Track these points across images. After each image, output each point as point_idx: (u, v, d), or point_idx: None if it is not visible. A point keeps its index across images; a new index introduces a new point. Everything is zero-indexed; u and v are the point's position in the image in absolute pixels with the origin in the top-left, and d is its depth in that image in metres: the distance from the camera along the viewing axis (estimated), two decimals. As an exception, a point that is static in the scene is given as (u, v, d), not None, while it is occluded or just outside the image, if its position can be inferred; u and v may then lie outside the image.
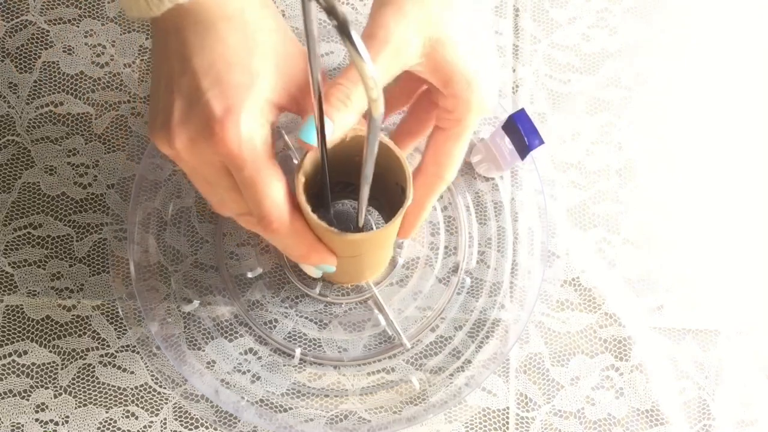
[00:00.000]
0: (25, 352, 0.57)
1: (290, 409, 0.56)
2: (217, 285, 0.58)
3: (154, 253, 0.58)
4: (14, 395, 0.56)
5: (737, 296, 0.60)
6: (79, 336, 0.57)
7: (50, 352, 0.57)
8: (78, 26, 0.61)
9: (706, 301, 0.60)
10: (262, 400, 0.56)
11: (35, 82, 0.60)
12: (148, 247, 0.58)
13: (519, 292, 0.58)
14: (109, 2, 0.62)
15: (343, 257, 0.47)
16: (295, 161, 0.58)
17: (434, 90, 0.45)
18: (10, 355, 0.57)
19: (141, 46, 0.61)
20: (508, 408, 0.58)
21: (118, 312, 0.57)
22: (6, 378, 0.56)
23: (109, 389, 0.57)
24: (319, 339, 0.58)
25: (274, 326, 0.58)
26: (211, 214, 0.59)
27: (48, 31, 0.61)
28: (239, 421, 0.56)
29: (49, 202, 0.59)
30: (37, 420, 0.56)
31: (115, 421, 0.56)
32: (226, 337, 0.57)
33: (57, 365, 0.57)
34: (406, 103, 0.51)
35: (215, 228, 0.59)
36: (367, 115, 0.34)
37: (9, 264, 0.58)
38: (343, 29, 0.28)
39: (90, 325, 0.57)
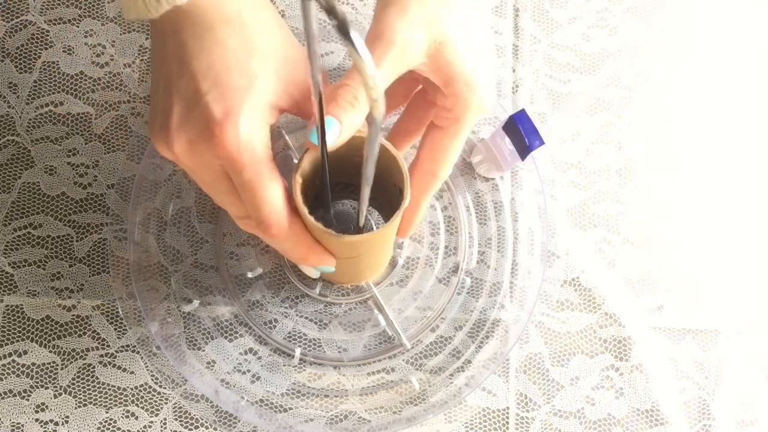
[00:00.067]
0: (25, 352, 0.57)
1: (290, 409, 0.56)
2: (217, 285, 0.58)
3: (154, 253, 0.58)
4: (14, 395, 0.56)
5: (737, 296, 0.60)
6: (79, 336, 0.57)
7: (50, 352, 0.57)
8: (78, 26, 0.61)
9: (706, 301, 0.60)
10: (262, 400, 0.56)
11: (35, 82, 0.60)
12: (148, 247, 0.58)
13: (519, 292, 0.58)
14: (109, 2, 0.62)
15: (342, 258, 0.47)
16: (295, 161, 0.58)
17: (432, 89, 0.45)
18: (10, 355, 0.57)
19: (141, 46, 0.61)
20: (508, 408, 0.58)
21: (118, 312, 0.57)
22: (6, 378, 0.56)
23: (109, 389, 0.57)
24: (319, 339, 0.58)
25: (274, 326, 0.58)
26: (211, 214, 0.59)
27: (48, 31, 0.61)
28: (239, 421, 0.56)
29: (49, 202, 0.59)
30: (37, 420, 0.56)
31: (115, 421, 0.56)
32: (226, 337, 0.57)
33: (57, 365, 0.57)
34: (403, 102, 0.51)
35: (215, 228, 0.59)
36: (368, 116, 0.34)
37: (9, 264, 0.58)
38: (342, 29, 0.28)
39: (90, 325, 0.57)
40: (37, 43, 0.61)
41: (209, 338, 0.57)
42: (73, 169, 0.59)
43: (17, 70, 0.61)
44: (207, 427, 0.56)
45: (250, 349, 0.57)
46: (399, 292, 0.58)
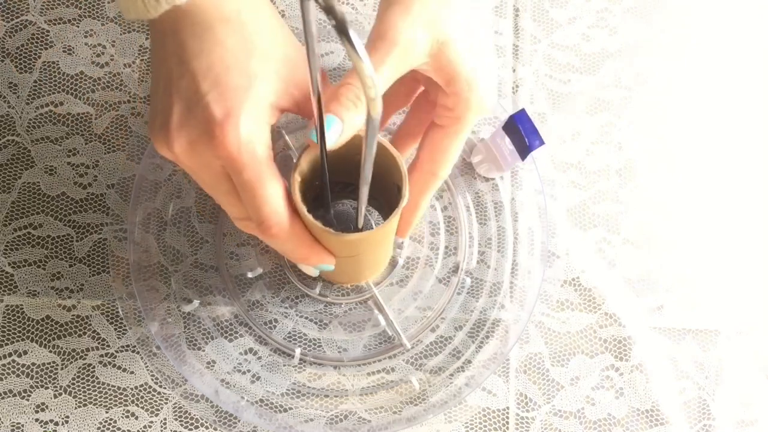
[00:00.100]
0: (25, 352, 0.57)
1: (290, 409, 0.56)
2: (217, 285, 0.58)
3: (154, 253, 0.58)
4: (14, 395, 0.56)
5: (737, 296, 0.60)
6: (79, 336, 0.57)
7: (50, 352, 0.57)
8: (78, 26, 0.61)
9: (706, 301, 0.60)
10: (262, 400, 0.56)
11: (35, 82, 0.60)
12: (148, 247, 0.58)
13: (519, 292, 0.58)
14: (108, 2, 0.62)
15: (341, 257, 0.47)
16: (295, 161, 0.58)
17: (433, 88, 0.45)
18: (10, 355, 0.57)
19: (141, 46, 0.61)
20: (508, 408, 0.58)
21: (118, 312, 0.57)
22: (6, 378, 0.56)
23: (109, 389, 0.57)
24: (319, 339, 0.58)
25: (274, 326, 0.58)
26: (211, 214, 0.59)
27: (48, 31, 0.61)
28: (239, 421, 0.56)
29: (49, 202, 0.59)
30: (37, 420, 0.56)
31: (115, 421, 0.56)
32: (226, 337, 0.57)
33: (57, 365, 0.57)
34: (406, 102, 0.51)
35: (215, 228, 0.59)
36: (366, 116, 0.34)
37: (9, 264, 0.58)
38: (341, 29, 0.28)
39: (90, 325, 0.57)
40: (37, 43, 0.61)
41: (209, 338, 0.57)
42: (73, 169, 0.59)
43: (17, 70, 0.61)
44: (207, 427, 0.56)
45: (250, 349, 0.57)
46: (399, 292, 0.58)
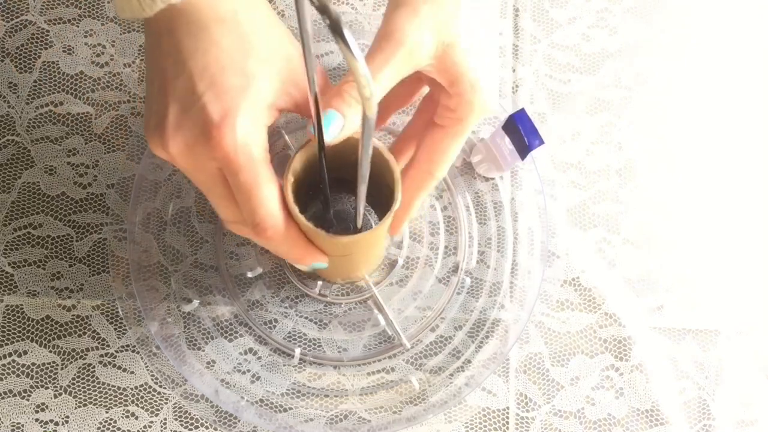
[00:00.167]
0: (25, 352, 0.57)
1: (290, 409, 0.56)
2: (216, 285, 0.58)
3: (153, 252, 0.58)
4: (14, 395, 0.56)
5: (737, 296, 0.60)
6: (79, 336, 0.57)
7: (50, 352, 0.57)
8: (78, 26, 0.61)
9: (706, 301, 0.60)
10: (261, 400, 0.56)
11: (35, 81, 0.60)
12: (148, 247, 0.58)
13: (519, 292, 0.58)
14: (108, 2, 0.62)
15: (334, 256, 0.47)
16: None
17: (436, 88, 0.46)
18: (10, 355, 0.57)
19: (141, 45, 0.61)
20: (508, 408, 0.58)
21: (118, 312, 0.57)
22: (6, 378, 0.56)
23: (109, 389, 0.57)
24: (319, 339, 0.58)
25: (274, 326, 0.58)
26: (211, 214, 0.59)
27: (48, 31, 0.61)
28: (239, 421, 0.56)
29: (49, 202, 0.59)
30: (37, 420, 0.56)
31: (115, 421, 0.56)
32: (226, 337, 0.57)
33: (57, 365, 0.57)
34: (407, 102, 0.52)
35: (215, 228, 0.59)
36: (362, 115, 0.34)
37: (9, 264, 0.58)
38: (335, 28, 0.28)
39: (90, 325, 0.57)
40: (37, 42, 0.61)
41: (209, 338, 0.57)
42: (73, 168, 0.59)
43: (17, 70, 0.61)
44: (207, 427, 0.56)
45: (250, 349, 0.57)
46: (399, 291, 0.58)
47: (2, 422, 0.56)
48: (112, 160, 0.59)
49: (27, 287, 0.58)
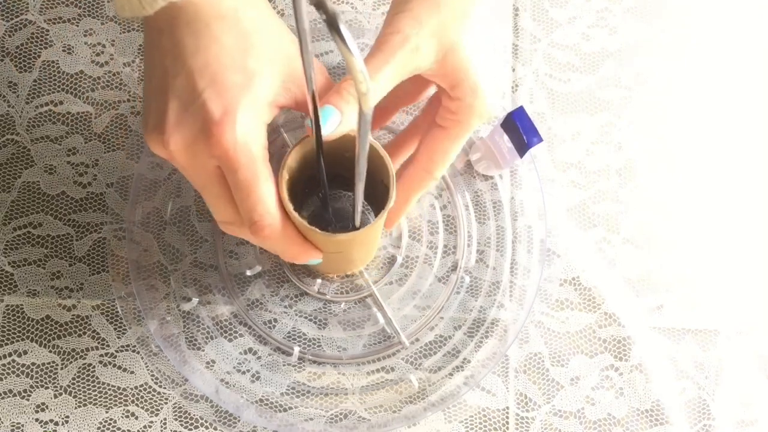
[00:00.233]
0: (25, 352, 0.57)
1: (290, 408, 0.56)
2: (216, 284, 0.58)
3: (153, 252, 0.58)
4: (14, 395, 0.56)
5: (737, 296, 0.60)
6: (79, 336, 0.57)
7: (50, 352, 0.57)
8: (78, 25, 0.61)
9: (706, 301, 0.60)
10: (261, 400, 0.56)
11: (35, 81, 0.60)
12: (148, 246, 0.58)
13: (518, 291, 0.58)
14: (108, 1, 0.62)
15: (329, 253, 0.47)
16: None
17: (440, 89, 0.46)
18: (10, 355, 0.57)
19: (141, 45, 0.61)
20: (507, 408, 0.57)
21: (117, 312, 0.57)
22: (6, 378, 0.56)
23: (109, 389, 0.57)
24: (319, 338, 0.58)
25: (274, 326, 0.58)
26: (210, 213, 0.59)
27: (48, 31, 0.61)
28: (239, 420, 0.56)
29: (48, 201, 0.59)
30: (37, 420, 0.56)
31: (115, 421, 0.56)
32: (225, 337, 0.57)
33: (57, 365, 0.57)
34: (414, 100, 0.52)
35: (214, 227, 0.59)
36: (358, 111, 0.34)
37: (9, 263, 0.58)
38: (332, 24, 0.28)
39: (90, 324, 0.57)
40: (36, 42, 0.61)
41: (209, 338, 0.57)
42: (72, 168, 0.59)
43: (17, 70, 0.61)
44: (207, 427, 0.56)
45: (250, 349, 0.57)
46: (398, 290, 0.58)
47: (2, 422, 0.56)
48: (112, 160, 0.60)
49: (27, 287, 0.58)
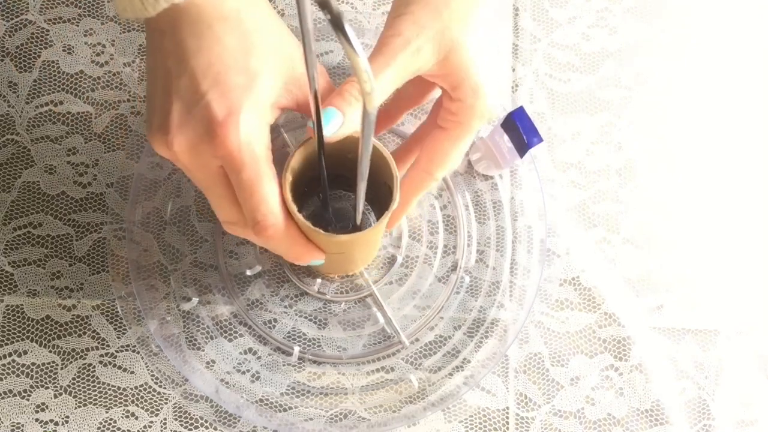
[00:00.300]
0: (25, 352, 0.57)
1: (290, 408, 0.56)
2: (216, 284, 0.58)
3: (153, 252, 0.58)
4: (14, 395, 0.56)
5: (737, 296, 0.60)
6: (79, 336, 0.57)
7: (50, 352, 0.57)
8: (78, 25, 0.61)
9: (706, 301, 0.60)
10: (261, 400, 0.56)
11: (35, 81, 0.60)
12: (148, 246, 0.58)
13: (518, 291, 0.58)
14: (108, 1, 0.62)
15: (331, 253, 0.47)
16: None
17: (443, 91, 0.46)
18: (10, 355, 0.57)
19: (141, 45, 0.61)
20: (507, 408, 0.57)
21: (117, 311, 0.57)
22: (6, 378, 0.56)
23: (109, 389, 0.57)
24: (319, 338, 0.58)
25: (274, 326, 0.58)
26: (211, 213, 0.59)
27: (48, 30, 0.61)
28: (239, 420, 0.56)
29: (48, 201, 0.59)
30: (37, 420, 0.56)
31: (115, 421, 0.56)
32: (225, 337, 0.57)
33: (57, 365, 0.57)
34: (419, 102, 0.52)
35: (215, 227, 0.59)
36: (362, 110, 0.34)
37: (9, 263, 0.58)
38: (336, 23, 0.28)
39: (90, 324, 0.57)
40: (36, 42, 0.61)
41: (209, 338, 0.57)
42: (72, 168, 0.59)
43: (17, 70, 0.61)
44: (207, 427, 0.56)
45: (250, 349, 0.57)
46: (398, 290, 0.58)
47: (2, 422, 0.56)
48: (112, 160, 0.60)
49: (27, 287, 0.58)
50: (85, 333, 0.57)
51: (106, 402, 0.56)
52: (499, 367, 0.58)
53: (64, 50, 0.61)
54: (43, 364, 0.57)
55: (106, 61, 0.61)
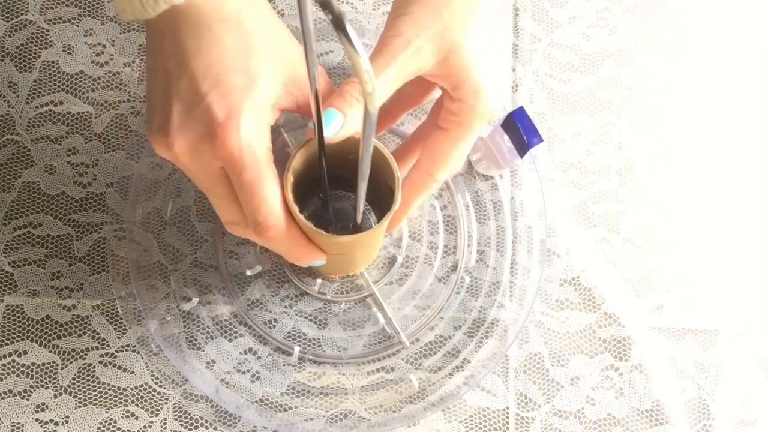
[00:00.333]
0: (25, 352, 0.57)
1: (290, 408, 0.56)
2: (216, 284, 0.58)
3: (153, 252, 0.58)
4: (14, 395, 0.56)
5: (737, 296, 0.60)
6: (79, 336, 0.57)
7: (50, 352, 0.57)
8: (78, 25, 0.61)
9: (706, 301, 0.60)
10: (262, 400, 0.56)
11: (35, 81, 0.60)
12: (148, 246, 0.58)
13: (518, 291, 0.58)
14: (108, 1, 0.62)
15: (332, 254, 0.47)
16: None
17: (444, 91, 0.46)
18: (10, 355, 0.57)
19: (141, 45, 0.61)
20: (507, 408, 0.57)
21: (117, 311, 0.57)
22: (6, 378, 0.56)
23: (109, 389, 0.57)
24: (319, 338, 0.58)
25: (274, 326, 0.58)
26: (211, 213, 0.59)
27: (48, 31, 0.61)
28: (239, 420, 0.56)
29: (48, 201, 0.59)
30: (37, 420, 0.56)
31: (115, 421, 0.56)
32: (225, 337, 0.57)
33: (57, 365, 0.57)
34: (419, 103, 0.52)
35: (215, 227, 0.59)
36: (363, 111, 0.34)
37: (9, 263, 0.58)
38: (338, 23, 0.28)
39: (90, 324, 0.57)
40: (36, 42, 0.61)
41: (209, 338, 0.57)
42: (72, 168, 0.59)
43: (17, 70, 0.61)
44: (207, 427, 0.56)
45: (250, 349, 0.57)
46: (398, 290, 0.58)
47: (2, 422, 0.56)
48: (112, 160, 0.60)
49: (27, 287, 0.58)
50: (85, 333, 0.57)
51: (106, 402, 0.56)
52: (500, 367, 0.58)
53: (64, 50, 0.61)
54: (43, 364, 0.57)
55: (106, 61, 0.61)
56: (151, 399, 0.57)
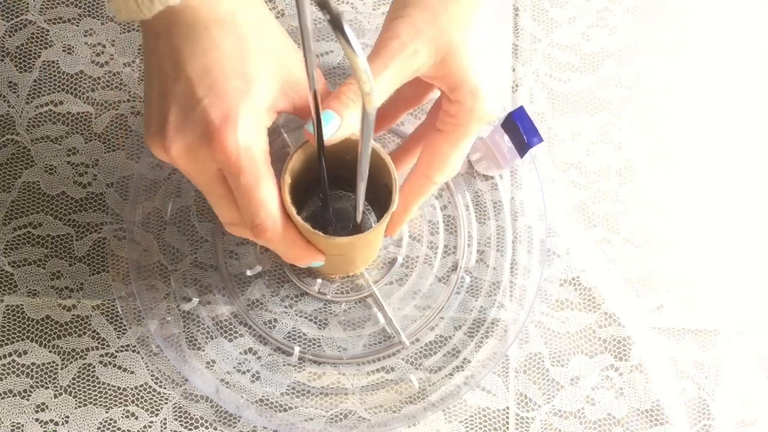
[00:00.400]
0: (25, 352, 0.57)
1: (290, 408, 0.56)
2: (216, 284, 0.58)
3: (153, 252, 0.58)
4: (14, 395, 0.56)
5: (737, 296, 0.60)
6: (79, 336, 0.57)
7: (50, 352, 0.57)
8: (78, 25, 0.61)
9: (706, 301, 0.60)
10: (262, 400, 0.56)
11: (35, 81, 0.60)
12: (148, 246, 0.58)
13: (518, 291, 0.58)
14: (108, 1, 0.62)
15: (330, 255, 0.47)
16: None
17: (442, 93, 0.46)
18: (10, 355, 0.57)
19: (141, 45, 0.61)
20: (507, 408, 0.57)
21: (117, 311, 0.57)
22: (6, 378, 0.56)
23: (109, 389, 0.57)
24: (319, 338, 0.58)
25: (274, 326, 0.58)
26: (211, 213, 0.59)
27: (48, 31, 0.61)
28: (239, 420, 0.56)
29: (48, 201, 0.59)
30: (37, 420, 0.56)
31: (115, 421, 0.56)
32: (225, 337, 0.57)
33: (57, 365, 0.57)
34: (417, 103, 0.52)
35: (215, 227, 0.59)
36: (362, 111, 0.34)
37: (9, 263, 0.58)
38: (336, 24, 0.28)
39: (90, 324, 0.57)
40: (36, 42, 0.61)
41: (209, 338, 0.57)
42: (72, 168, 0.59)
43: (17, 70, 0.61)
44: (207, 427, 0.56)
45: (250, 349, 0.57)
46: (398, 290, 0.58)
47: (2, 422, 0.56)
48: (112, 160, 0.60)
49: (27, 287, 0.58)
50: (85, 333, 0.57)
51: (106, 402, 0.56)
52: (500, 367, 0.58)
53: (64, 50, 0.61)
54: (43, 364, 0.57)
55: (106, 61, 0.61)
56: (151, 399, 0.57)
